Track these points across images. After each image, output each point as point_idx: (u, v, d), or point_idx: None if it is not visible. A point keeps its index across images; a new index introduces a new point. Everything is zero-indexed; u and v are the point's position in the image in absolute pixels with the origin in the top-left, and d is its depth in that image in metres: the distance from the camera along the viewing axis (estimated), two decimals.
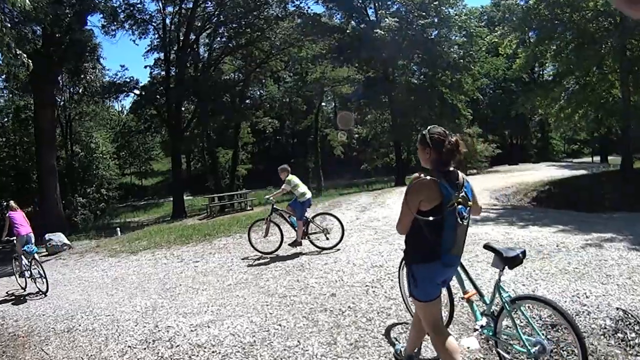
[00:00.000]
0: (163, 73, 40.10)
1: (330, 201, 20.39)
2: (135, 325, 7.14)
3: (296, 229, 11.09)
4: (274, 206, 11.72)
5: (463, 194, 3.90)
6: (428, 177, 3.83)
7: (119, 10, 34.16)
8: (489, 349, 4.82)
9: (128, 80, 39.23)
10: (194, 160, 62.90)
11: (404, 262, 5.02)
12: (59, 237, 20.08)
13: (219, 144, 49.53)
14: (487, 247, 4.51)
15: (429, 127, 4.04)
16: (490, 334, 4.36)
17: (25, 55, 15.19)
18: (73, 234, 26.33)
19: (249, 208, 25.95)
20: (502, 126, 55.00)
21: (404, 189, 18.93)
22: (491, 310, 4.40)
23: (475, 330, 4.51)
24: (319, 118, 50.22)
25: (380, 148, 43.08)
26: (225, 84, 41.32)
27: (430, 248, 3.86)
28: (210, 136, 44.93)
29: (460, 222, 3.86)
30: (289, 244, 11.04)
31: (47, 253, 19.28)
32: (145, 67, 42.71)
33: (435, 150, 3.89)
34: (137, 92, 39.89)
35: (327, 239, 11.02)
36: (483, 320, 4.40)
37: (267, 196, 12.37)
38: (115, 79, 40.01)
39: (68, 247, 19.67)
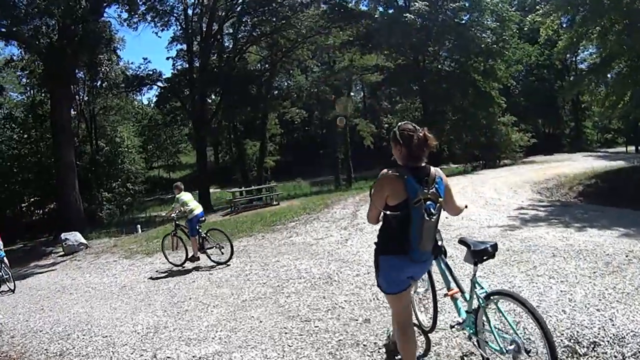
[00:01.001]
0: (186, 65, 39.38)
1: (361, 195, 18.74)
2: (132, 353, 6.10)
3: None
4: (176, 222, 12.13)
5: (433, 190, 3.92)
6: (394, 174, 3.87)
7: (140, 2, 33.25)
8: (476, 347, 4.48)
9: (151, 72, 38.82)
10: (222, 153, 62.37)
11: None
12: (75, 237, 19.24)
13: (247, 135, 48.42)
14: (460, 241, 4.47)
15: (399, 124, 4.09)
16: (472, 331, 4.30)
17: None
18: (94, 231, 25.56)
19: (274, 203, 24.52)
20: (534, 115, 52.95)
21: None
22: (472, 307, 4.30)
23: (452, 326, 4.63)
24: (348, 108, 48.72)
25: None
26: (251, 73, 40.23)
27: (398, 242, 3.90)
28: (237, 128, 43.90)
29: (428, 219, 3.85)
30: (188, 259, 11.39)
31: (63, 253, 18.78)
32: (168, 58, 41.90)
33: (405, 146, 3.93)
34: (161, 84, 39.28)
35: (222, 253, 11.09)
36: (461, 317, 4.43)
37: (164, 213, 12.65)
38: (138, 72, 39.86)
39: (85, 247, 18.88)
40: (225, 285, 8.75)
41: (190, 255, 11.37)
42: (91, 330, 7.37)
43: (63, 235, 19.38)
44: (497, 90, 35.41)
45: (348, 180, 44.29)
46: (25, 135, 36.18)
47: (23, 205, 37.37)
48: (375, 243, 4.20)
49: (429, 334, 5.11)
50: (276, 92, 47.03)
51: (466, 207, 4.77)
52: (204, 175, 38.41)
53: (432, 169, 4.04)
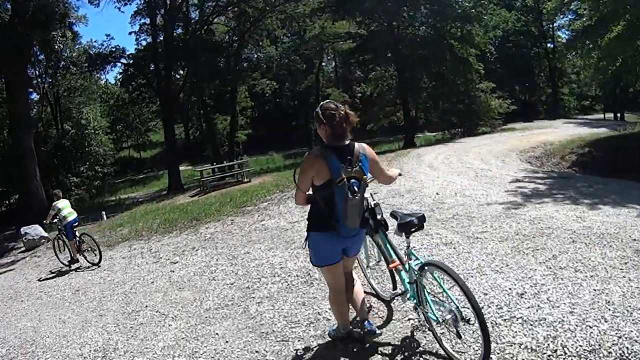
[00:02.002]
0: (150, 39, 37.75)
1: None
2: None
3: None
4: (58, 226, 12.47)
5: (357, 168, 3.98)
6: (317, 154, 3.95)
7: None
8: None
9: (114, 49, 37.06)
10: (192, 129, 61.24)
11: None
12: (35, 230, 17.91)
13: (216, 110, 46.93)
14: (391, 214, 4.65)
15: (321, 104, 4.08)
16: (416, 301, 4.36)
17: None
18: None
19: (245, 180, 23.10)
20: (510, 82, 52.33)
21: (417, 150, 16.22)
22: (413, 278, 4.33)
23: (393, 298, 5.09)
24: (320, 78, 47.71)
25: (386, 106, 40.23)
26: (218, 45, 38.62)
27: (325, 219, 4.02)
28: (206, 102, 42.65)
29: (352, 196, 3.91)
30: (68, 262, 12.02)
31: (24, 248, 17.51)
32: (130, 33, 40.56)
33: (328, 125, 3.95)
34: (125, 61, 37.66)
35: (95, 255, 11.60)
36: (404, 287, 4.55)
37: (45, 221, 13.26)
38: (100, 50, 38.21)
39: (46, 240, 17.54)
40: (187, 286, 7.56)
41: (70, 259, 12.06)
42: (35, 353, 6.28)
43: (23, 230, 18.01)
44: (474, 56, 34.32)
45: None
46: None
47: None
48: (307, 219, 4.32)
49: (391, 303, 5.29)
50: (245, 64, 45.63)
51: (400, 174, 4.98)
52: (173, 154, 37.04)
53: (357, 145, 4.08)
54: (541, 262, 5.89)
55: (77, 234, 12.07)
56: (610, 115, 51.56)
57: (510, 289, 5.11)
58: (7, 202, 36.10)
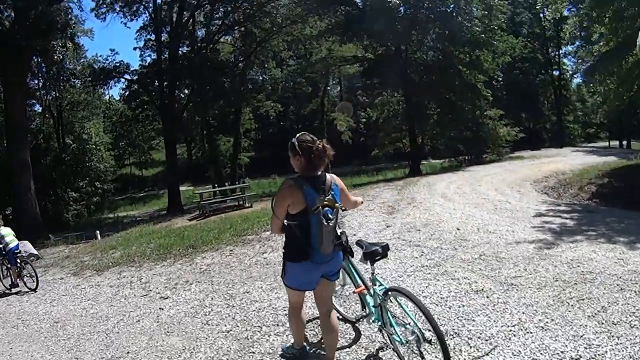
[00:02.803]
0: (155, 56, 37.47)
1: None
2: None
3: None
4: (2, 252, 12.60)
5: (330, 196, 4.18)
6: (292, 185, 4.12)
7: None
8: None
9: (118, 64, 37.10)
10: (195, 149, 60.83)
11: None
12: (24, 247, 16.70)
13: (220, 131, 46.42)
14: (357, 243, 5.03)
15: (297, 135, 4.30)
16: (380, 323, 4.59)
17: None
18: (55, 235, 23.63)
19: (247, 205, 22.20)
20: (516, 109, 51.64)
21: (426, 179, 15.25)
22: (377, 302, 4.57)
23: (358, 320, 5.54)
24: (325, 101, 47.05)
25: (392, 132, 39.44)
26: (224, 65, 38.02)
27: (301, 248, 4.19)
28: (210, 123, 41.89)
29: (326, 224, 4.08)
30: (9, 285, 12.39)
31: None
32: (135, 49, 40.05)
33: (305, 157, 4.14)
34: (128, 77, 37.41)
35: (33, 281, 12.03)
36: (368, 311, 4.90)
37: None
38: (105, 64, 38.19)
39: (35, 258, 16.48)
40: (177, 330, 6.62)
41: (10, 283, 12.40)
42: None
43: None
44: (482, 82, 33.39)
45: None
46: None
47: None
48: (283, 247, 4.50)
49: (356, 324, 5.60)
50: (250, 85, 45.22)
51: (362, 202, 5.29)
52: (174, 174, 36.55)
53: (328, 176, 4.28)
54: (590, 315, 5.12)
55: (18, 261, 12.46)
56: (615, 143, 51.43)
57: (562, 352, 4.45)
58: (2, 214, 35.04)
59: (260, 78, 52.24)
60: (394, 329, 4.40)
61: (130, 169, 67.56)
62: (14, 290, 12.12)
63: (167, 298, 8.37)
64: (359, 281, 4.98)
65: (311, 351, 4.97)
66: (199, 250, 11.68)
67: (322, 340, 5.01)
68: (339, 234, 4.49)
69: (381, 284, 4.67)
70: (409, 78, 32.84)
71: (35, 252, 16.53)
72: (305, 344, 4.98)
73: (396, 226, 10.59)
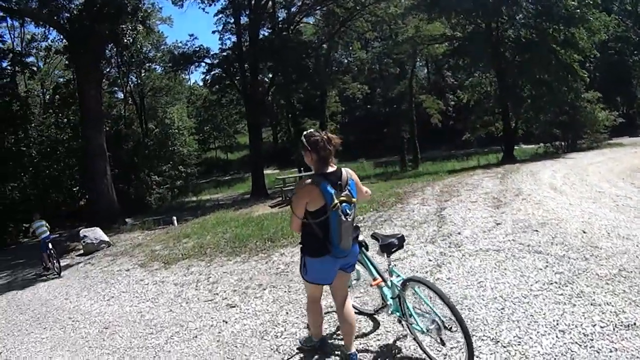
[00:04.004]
0: (234, 39, 36.56)
1: (441, 184, 14.65)
2: None
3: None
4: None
5: (347, 192, 4.23)
6: (310, 183, 4.16)
7: None
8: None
9: (197, 49, 36.47)
10: (281, 133, 60.38)
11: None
12: (95, 234, 16.30)
13: (306, 114, 45.51)
14: (372, 236, 5.07)
15: (304, 133, 4.31)
16: (399, 314, 4.62)
17: None
18: (134, 218, 23.70)
19: None
20: (611, 92, 47.61)
21: (527, 166, 12.55)
22: (395, 293, 4.62)
23: (377, 311, 5.54)
24: (413, 83, 44.84)
25: (483, 115, 37.05)
26: (307, 46, 36.71)
27: (321, 244, 4.23)
28: (294, 106, 40.89)
29: (345, 219, 4.15)
30: (42, 269, 14.16)
31: (82, 252, 16.02)
32: (214, 32, 39.56)
33: (314, 150, 4.19)
34: (209, 61, 36.64)
35: (59, 266, 13.37)
36: (389, 302, 4.76)
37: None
38: (184, 50, 37.83)
39: (107, 245, 15.97)
40: (239, 356, 5.19)
41: (44, 265, 14.14)
42: None
43: (82, 232, 16.59)
44: (577, 62, 30.11)
45: (414, 162, 40.98)
46: (65, 120, 33.98)
47: (73, 189, 34.97)
48: (300, 243, 4.52)
49: (375, 316, 5.58)
50: (335, 66, 43.76)
51: (370, 194, 5.05)
52: (258, 157, 35.35)
53: (344, 171, 4.33)
54: None
55: (50, 246, 13.95)
56: None
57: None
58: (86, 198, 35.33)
59: (346, 60, 50.78)
60: (414, 318, 4.42)
61: (216, 152, 67.97)
62: (46, 273, 13.77)
63: (234, 307, 6.92)
64: (375, 274, 4.94)
65: (329, 341, 5.09)
66: (278, 245, 10.12)
67: (340, 331, 4.98)
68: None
69: (399, 275, 4.71)
70: (501, 57, 30.35)
71: (106, 238, 16.13)
72: (323, 335, 5.03)
73: (507, 224, 8.68)
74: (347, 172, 4.35)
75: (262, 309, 6.56)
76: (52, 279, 12.86)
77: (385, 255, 4.69)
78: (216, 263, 9.81)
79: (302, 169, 37.67)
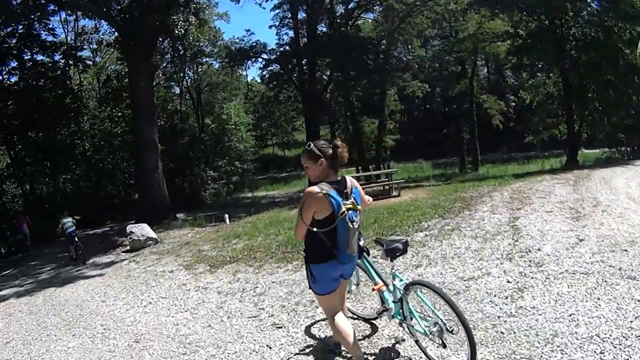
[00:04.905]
0: (292, 34, 36.44)
1: (509, 189, 13.51)
2: None
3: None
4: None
5: (352, 200, 4.25)
6: (318, 192, 4.07)
7: None
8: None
9: (254, 44, 36.43)
10: (339, 131, 59.98)
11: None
12: (142, 230, 15.65)
13: (364, 112, 44.52)
14: (376, 241, 5.19)
15: (309, 143, 4.34)
16: (401, 318, 4.63)
17: None
18: (185, 215, 23.09)
19: (394, 194, 19.07)
20: None
21: (596, 172, 11.47)
22: (397, 297, 4.63)
23: (379, 314, 5.44)
24: (474, 82, 43.33)
25: (546, 118, 35.28)
26: (365, 42, 35.97)
27: (327, 251, 4.17)
28: (353, 104, 40.16)
29: (351, 226, 4.17)
30: (69, 260, 15.40)
31: (128, 248, 15.47)
32: (271, 27, 38.85)
33: (326, 159, 4.20)
34: (266, 56, 36.63)
35: (85, 257, 14.91)
36: (391, 306, 4.73)
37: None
38: (241, 45, 37.97)
39: (154, 242, 15.32)
40: None
41: (70, 256, 15.37)
42: None
43: (129, 228, 15.97)
44: None
45: (474, 164, 39.55)
46: (120, 113, 33.95)
47: (128, 182, 35.11)
48: (304, 251, 4.44)
49: (373, 322, 5.57)
50: (395, 64, 42.61)
51: (371, 201, 5.05)
52: None
53: (348, 179, 4.39)
54: None
55: (76, 239, 15.30)
56: None
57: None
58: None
59: (405, 58, 49.73)
60: (417, 321, 4.39)
61: (273, 149, 68.21)
62: (72, 264, 14.84)
63: (280, 327, 5.95)
64: (377, 279, 4.95)
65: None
66: None
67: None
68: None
69: (401, 279, 4.67)
70: (566, 57, 28.58)
71: (153, 235, 15.57)
72: (366, 356, 4.82)
73: (591, 240, 7.42)
74: (351, 180, 4.43)
75: (314, 334, 5.58)
76: (93, 276, 12.24)
77: (389, 260, 4.69)
78: (265, 270, 8.90)
79: (359, 168, 36.75)
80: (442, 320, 4.15)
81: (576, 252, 6.94)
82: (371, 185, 21.29)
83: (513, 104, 49.72)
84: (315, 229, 4.12)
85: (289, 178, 50.72)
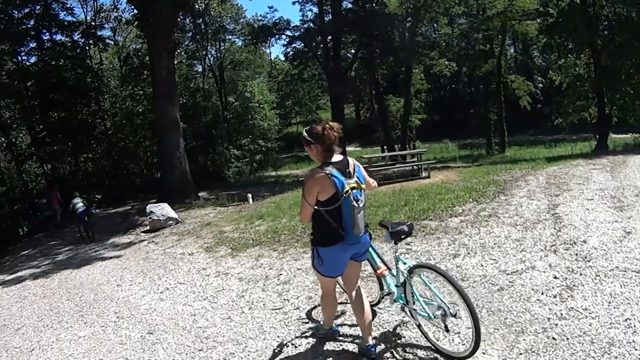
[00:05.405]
0: (316, 10, 35.66)
1: (544, 174, 12.90)
2: None
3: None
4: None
5: (355, 179, 4.18)
6: (321, 173, 4.07)
7: None
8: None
9: (277, 21, 35.62)
10: (363, 109, 59.33)
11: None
12: (162, 210, 15.23)
13: (390, 90, 44.21)
14: (380, 224, 4.87)
15: (304, 129, 4.36)
16: (403, 302, 4.58)
17: None
18: (208, 193, 23.34)
19: (424, 175, 18.32)
20: None
21: (633, 159, 10.51)
22: (400, 281, 4.58)
23: (382, 298, 5.29)
24: (502, 62, 42.27)
25: (576, 100, 34.15)
26: (391, 18, 34.68)
27: (334, 232, 4.11)
28: (378, 82, 39.63)
29: (357, 205, 4.11)
30: (78, 237, 16.13)
31: (148, 228, 15.04)
32: (294, 3, 37.93)
33: (319, 142, 4.16)
34: (289, 33, 35.72)
35: (93, 235, 15.69)
36: (392, 291, 4.73)
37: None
38: (264, 22, 37.62)
39: (174, 222, 14.89)
40: None
41: (80, 235, 15.93)
42: None
43: (148, 208, 15.60)
44: None
45: (501, 145, 38.77)
46: (141, 91, 33.69)
47: (150, 161, 35.44)
48: (311, 234, 4.39)
49: (374, 307, 5.32)
50: (421, 42, 41.70)
51: (376, 186, 4.95)
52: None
53: (350, 159, 4.30)
54: None
55: (86, 219, 16.11)
56: None
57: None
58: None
59: (433, 35, 48.87)
60: (420, 305, 4.33)
61: (297, 127, 67.44)
62: (81, 241, 15.40)
63: (307, 322, 5.45)
64: (379, 263, 4.92)
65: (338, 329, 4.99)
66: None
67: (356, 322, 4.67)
68: None
69: (405, 262, 4.61)
70: (598, 37, 27.52)
71: (173, 215, 15.25)
72: (333, 324, 4.98)
73: (639, 234, 6.84)
74: (353, 160, 4.37)
75: (345, 332, 5.01)
76: (110, 257, 11.87)
77: (394, 243, 4.58)
78: (290, 255, 8.38)
79: (385, 147, 36.25)
80: (445, 304, 4.13)
81: (625, 246, 6.33)
82: (399, 165, 20.65)
83: (540, 85, 48.72)
84: (319, 208, 4.11)
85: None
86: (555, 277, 5.60)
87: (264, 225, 11.50)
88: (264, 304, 6.21)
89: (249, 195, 18.68)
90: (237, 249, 9.70)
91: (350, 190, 4.06)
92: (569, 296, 5.06)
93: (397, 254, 4.59)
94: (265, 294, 6.62)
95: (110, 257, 11.81)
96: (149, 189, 30.23)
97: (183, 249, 10.91)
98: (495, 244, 7.08)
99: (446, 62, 41.39)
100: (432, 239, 7.74)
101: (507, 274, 5.88)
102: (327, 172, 4.03)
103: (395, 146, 36.50)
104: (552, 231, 7.33)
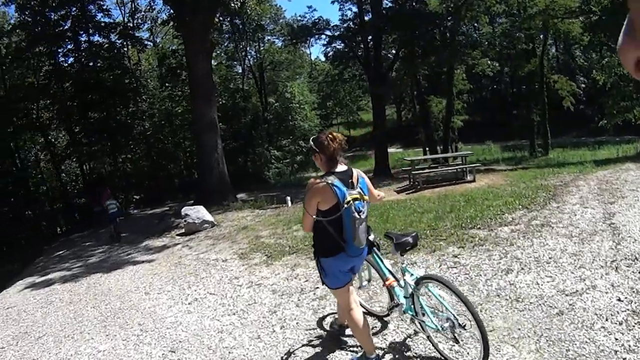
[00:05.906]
0: (356, 9, 35.13)
1: (594, 178, 12.07)
2: None
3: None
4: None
5: (358, 189, 4.16)
6: (322, 182, 4.04)
7: None
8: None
9: (317, 20, 35.11)
10: (405, 110, 58.76)
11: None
12: (197, 213, 14.81)
13: (431, 91, 43.23)
14: (385, 235, 4.98)
15: (312, 138, 4.35)
16: (412, 313, 4.57)
17: None
18: (247, 195, 23.01)
19: (469, 179, 17.51)
20: None
21: None
22: (408, 292, 4.56)
23: (391, 309, 5.06)
24: (545, 62, 41.23)
25: (620, 101, 32.87)
26: (433, 16, 34.00)
27: (335, 243, 4.07)
28: (420, 82, 39.13)
29: (358, 217, 4.06)
30: (109, 237, 16.59)
31: (183, 231, 14.61)
32: (333, 2, 37.59)
33: (322, 152, 4.14)
34: (329, 33, 35.15)
35: (121, 234, 16.22)
36: (401, 303, 4.69)
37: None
38: (303, 22, 36.83)
39: (210, 225, 14.44)
40: None
41: (112, 234, 16.33)
42: None
43: (184, 210, 15.20)
44: None
45: (544, 147, 37.92)
46: (180, 92, 33.83)
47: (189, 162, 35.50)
48: (312, 246, 4.41)
49: (384, 318, 5.43)
50: (463, 41, 41.02)
51: (383, 196, 4.99)
52: (382, 134, 33.75)
53: (354, 170, 4.29)
54: None
55: (117, 220, 16.50)
56: None
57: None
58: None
59: (475, 34, 48.19)
60: (428, 316, 4.35)
61: (338, 128, 67.11)
62: (111, 241, 15.80)
63: (344, 348, 4.93)
64: (388, 274, 4.86)
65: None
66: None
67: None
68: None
69: (412, 274, 4.54)
70: None
71: (209, 218, 14.94)
72: (377, 350, 4.59)
73: None
74: (358, 171, 4.36)
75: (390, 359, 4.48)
76: (142, 261, 11.45)
77: (399, 254, 4.61)
78: None
79: (427, 149, 35.91)
80: (453, 315, 4.08)
81: None
82: (443, 168, 20.02)
83: (583, 85, 47.46)
84: (320, 218, 4.04)
85: (354, 157, 49.17)
86: (619, 300, 4.95)
87: (302, 231, 10.70)
88: (297, 323, 5.69)
89: (288, 197, 18.20)
90: (272, 256, 9.19)
91: (352, 201, 4.02)
92: (635, 323, 4.43)
93: (403, 265, 4.62)
94: (299, 310, 6.09)
95: (142, 262, 11.48)
96: (188, 189, 30.09)
97: (217, 255, 10.49)
98: (550, 258, 6.39)
99: (488, 62, 40.61)
100: (482, 250, 7.05)
101: (566, 295, 5.23)
102: (328, 181, 4.01)
103: (438, 147, 36.03)
104: (610, 244, 6.63)
